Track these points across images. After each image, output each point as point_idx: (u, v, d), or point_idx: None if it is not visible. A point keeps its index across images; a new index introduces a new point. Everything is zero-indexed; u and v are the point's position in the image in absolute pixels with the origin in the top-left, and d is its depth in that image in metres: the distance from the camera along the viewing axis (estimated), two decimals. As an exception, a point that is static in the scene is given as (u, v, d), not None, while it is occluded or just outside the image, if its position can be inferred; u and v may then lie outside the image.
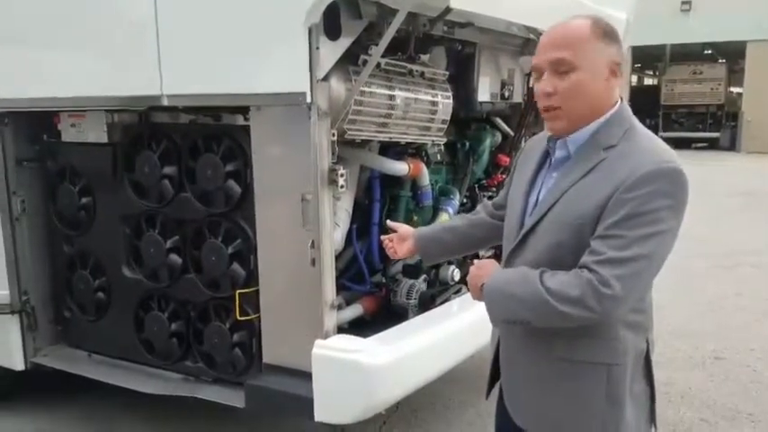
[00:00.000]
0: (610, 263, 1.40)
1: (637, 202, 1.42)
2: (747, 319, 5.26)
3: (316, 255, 2.48)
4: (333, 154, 2.50)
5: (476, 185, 3.87)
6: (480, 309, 3.11)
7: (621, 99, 1.59)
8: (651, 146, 1.51)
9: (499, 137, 3.97)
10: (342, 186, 2.49)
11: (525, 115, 3.93)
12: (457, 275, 3.41)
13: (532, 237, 1.60)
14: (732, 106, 24.64)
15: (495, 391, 1.87)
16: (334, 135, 2.49)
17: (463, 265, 3.63)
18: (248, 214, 2.70)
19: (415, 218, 3.34)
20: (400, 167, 3.09)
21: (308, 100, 2.37)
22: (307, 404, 2.46)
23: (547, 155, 1.67)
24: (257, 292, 2.71)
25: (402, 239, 2.09)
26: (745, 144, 23.13)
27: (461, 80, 3.37)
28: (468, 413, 3.67)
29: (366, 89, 2.64)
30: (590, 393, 1.57)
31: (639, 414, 1.63)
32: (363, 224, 3.27)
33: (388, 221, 2.28)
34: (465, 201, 3.83)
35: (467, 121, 3.85)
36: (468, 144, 3.75)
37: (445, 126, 3.17)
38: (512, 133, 3.99)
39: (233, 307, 2.76)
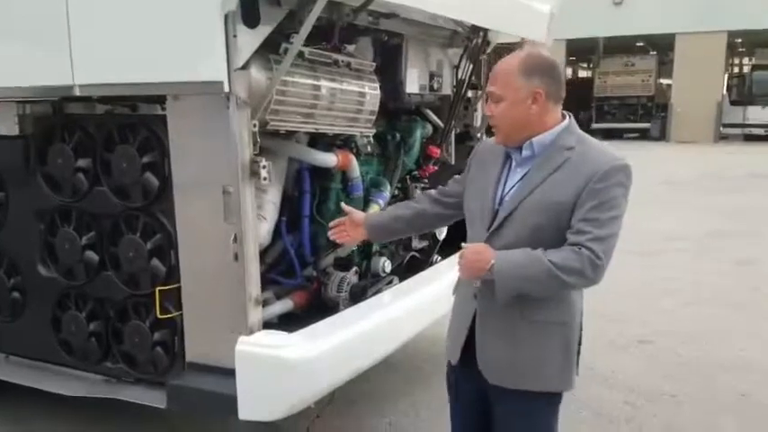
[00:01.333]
0: (598, 240, 1.78)
1: (604, 191, 1.81)
2: (672, 304, 5.46)
3: (238, 249, 2.42)
4: (255, 145, 2.43)
5: (407, 177, 3.87)
6: (412, 299, 3.14)
7: (570, 115, 1.97)
8: (602, 148, 1.92)
9: (430, 128, 3.97)
10: (264, 178, 2.43)
11: (455, 107, 3.95)
12: (388, 267, 3.40)
13: (510, 221, 1.91)
14: (662, 97, 25.53)
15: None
16: (255, 126, 2.42)
17: (395, 257, 3.63)
18: (167, 208, 2.61)
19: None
20: (328, 159, 3.05)
21: (226, 89, 2.30)
22: (230, 402, 2.40)
23: (508, 156, 2.00)
24: (179, 288, 2.62)
25: (354, 225, 2.32)
26: (674, 134, 24.03)
27: (389, 71, 3.35)
28: (402, 403, 3.68)
29: (289, 79, 2.58)
30: (551, 347, 1.94)
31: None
32: (293, 217, 3.23)
33: (342, 204, 2.42)
34: (396, 192, 3.82)
35: (397, 112, 3.84)
36: (398, 136, 3.74)
37: (373, 117, 3.14)
38: (442, 125, 4.00)
39: (153, 304, 2.66)
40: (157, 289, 2.64)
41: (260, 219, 2.86)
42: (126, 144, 2.67)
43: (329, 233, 2.44)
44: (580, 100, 23.00)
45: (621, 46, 25.36)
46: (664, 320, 5.05)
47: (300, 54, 2.61)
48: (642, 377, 4.00)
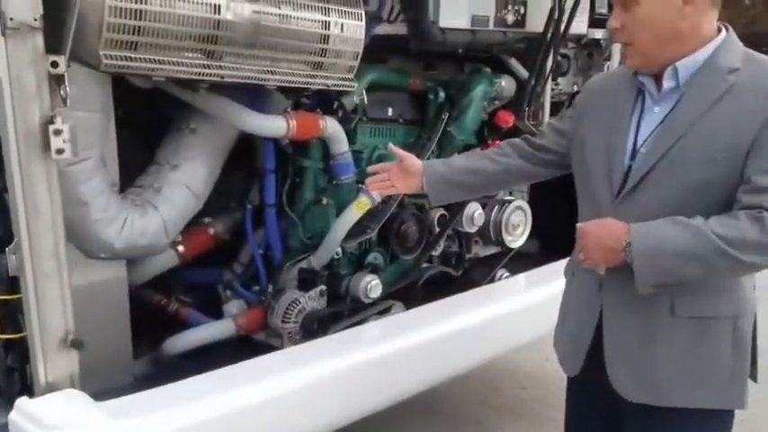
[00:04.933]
0: None
1: None
2: None
3: (17, 265, 1.55)
4: (64, 98, 1.52)
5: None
6: (395, 344, 2.03)
7: (727, 27, 1.42)
8: None
9: (505, 85, 2.69)
10: (60, 151, 1.50)
11: (547, 54, 2.62)
12: (375, 291, 2.28)
13: (650, 181, 1.42)
14: None
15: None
16: (56, 65, 1.50)
17: (414, 270, 2.51)
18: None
19: (324, 200, 2.26)
20: (272, 125, 2.02)
21: (-24, 1, 1.41)
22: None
23: (639, 91, 1.49)
24: (20, 300, 1.83)
25: (406, 174, 1.72)
26: None
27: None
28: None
29: (149, -9, 1.60)
30: (716, 351, 1.45)
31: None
32: (257, 206, 2.32)
33: (390, 145, 1.82)
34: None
35: (463, 60, 2.66)
36: (441, 93, 2.54)
37: (355, 63, 2.03)
38: (525, 76, 2.69)
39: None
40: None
41: (147, 206, 1.96)
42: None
43: (367, 181, 1.80)
44: None
45: None
46: None
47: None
48: None
